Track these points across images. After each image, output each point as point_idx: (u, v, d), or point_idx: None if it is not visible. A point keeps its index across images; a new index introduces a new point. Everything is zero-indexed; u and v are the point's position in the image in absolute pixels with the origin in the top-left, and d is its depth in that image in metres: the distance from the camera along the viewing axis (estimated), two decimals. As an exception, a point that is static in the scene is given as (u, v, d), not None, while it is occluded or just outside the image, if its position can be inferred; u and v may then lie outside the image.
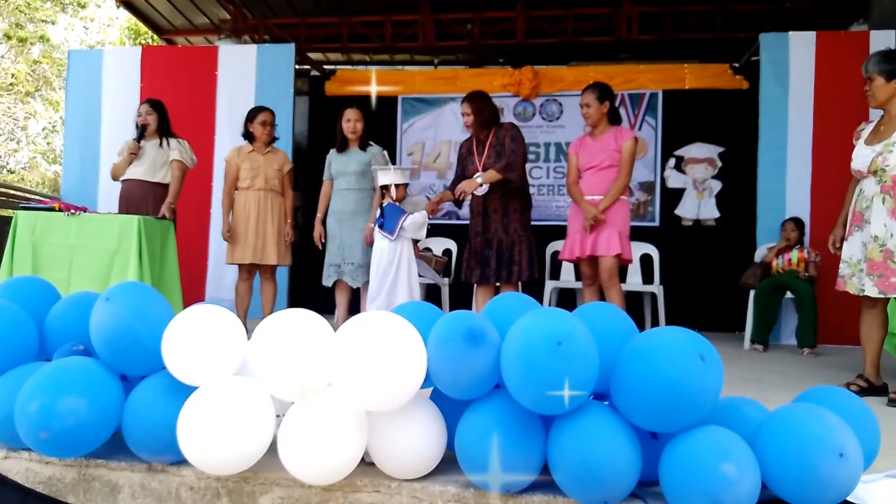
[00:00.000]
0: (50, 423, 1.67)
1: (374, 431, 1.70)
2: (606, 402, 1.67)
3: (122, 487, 1.83)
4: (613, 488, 1.52)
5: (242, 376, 1.75)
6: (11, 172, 17.34)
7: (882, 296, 3.00)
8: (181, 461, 1.77)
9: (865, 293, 3.04)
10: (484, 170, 3.99)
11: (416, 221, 3.96)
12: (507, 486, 1.62)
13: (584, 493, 1.55)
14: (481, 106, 4.08)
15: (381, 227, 4.04)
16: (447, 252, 6.01)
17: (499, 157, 3.99)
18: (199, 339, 1.70)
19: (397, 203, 4.06)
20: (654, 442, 1.63)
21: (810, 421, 1.48)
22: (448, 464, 1.76)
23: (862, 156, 3.08)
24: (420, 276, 4.08)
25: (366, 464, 1.76)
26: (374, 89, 6.97)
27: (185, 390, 1.72)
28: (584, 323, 1.59)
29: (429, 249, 5.76)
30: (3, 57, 16.10)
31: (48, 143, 17.92)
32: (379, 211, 4.12)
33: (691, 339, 1.49)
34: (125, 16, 14.01)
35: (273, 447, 1.71)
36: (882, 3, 6.01)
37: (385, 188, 4.10)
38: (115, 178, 4.70)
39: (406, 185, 4.14)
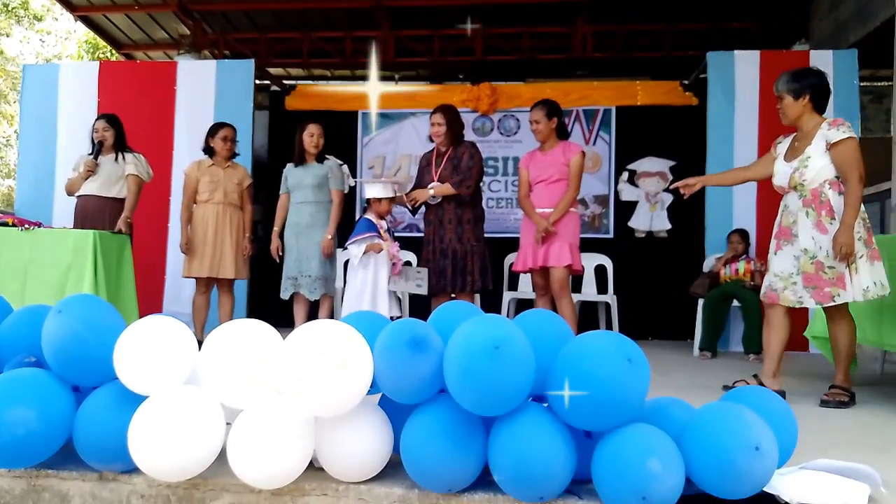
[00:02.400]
0: (0, 434, 1.69)
1: (322, 436, 1.75)
2: (546, 404, 1.76)
3: (72, 497, 1.85)
4: (549, 485, 1.61)
5: (193, 385, 1.80)
6: (-38, 187, 16.94)
7: (819, 306, 3.12)
8: (132, 470, 1.81)
9: (804, 305, 3.15)
10: (440, 181, 4.12)
11: (357, 251, 3.98)
12: (449, 485, 1.69)
13: (521, 490, 1.63)
14: (453, 118, 4.23)
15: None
16: (407, 264, 6.07)
17: (455, 170, 4.13)
18: (149, 350, 1.74)
19: (376, 217, 4.07)
20: (590, 441, 1.72)
21: (729, 418, 1.58)
22: (394, 467, 1.83)
23: (781, 172, 3.22)
24: (393, 289, 4.09)
25: (314, 468, 1.82)
26: (334, 104, 7.04)
27: (136, 400, 1.76)
28: (522, 329, 1.67)
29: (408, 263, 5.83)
30: (-45, 69, 15.78)
31: (1, 157, 17.54)
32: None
33: (620, 343, 1.59)
34: (83, 29, 13.85)
35: (222, 455, 1.75)
36: (821, 25, 6.31)
37: (369, 201, 4.12)
38: (70, 194, 4.68)
39: (391, 199, 4.13)
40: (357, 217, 6.92)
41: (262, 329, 1.80)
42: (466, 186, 4.09)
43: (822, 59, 5.69)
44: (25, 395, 1.74)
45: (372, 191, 4.10)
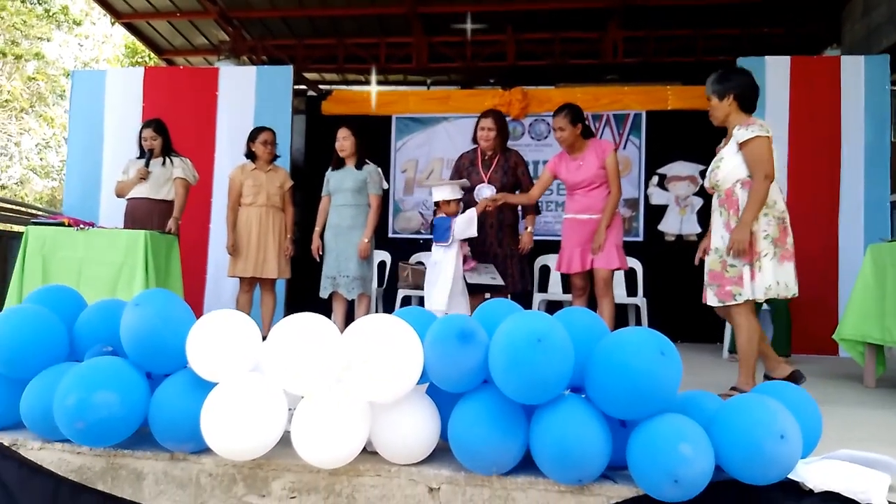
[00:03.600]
0: (86, 415, 1.87)
1: (376, 422, 1.90)
2: (583, 395, 1.88)
3: (146, 475, 2.02)
4: (586, 469, 1.74)
5: (258, 373, 1.96)
6: (4, 188, 17.43)
7: (721, 304, 3.14)
8: (201, 450, 1.98)
9: (708, 303, 3.18)
10: (489, 182, 4.25)
11: (464, 218, 3.99)
12: (494, 468, 1.83)
13: (561, 474, 1.76)
14: (503, 124, 4.39)
15: (435, 240, 4.15)
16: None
17: (505, 175, 4.30)
18: (219, 340, 1.91)
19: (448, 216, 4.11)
20: (624, 430, 1.84)
21: (756, 408, 1.70)
22: (442, 452, 1.97)
23: (707, 175, 3.29)
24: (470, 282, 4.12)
25: (368, 453, 1.97)
26: (368, 108, 7.22)
27: (206, 386, 1.92)
28: (562, 324, 1.80)
29: (421, 263, 5.96)
30: (-2, 74, 16.27)
31: (41, 159, 18.04)
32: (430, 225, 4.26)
33: (653, 337, 1.72)
34: (121, 33, 14.22)
35: (284, 438, 1.91)
36: (853, 30, 6.33)
37: (437, 204, 4.17)
38: (119, 196, 4.90)
39: (458, 200, 4.14)
40: (390, 220, 7.14)
41: (320, 322, 1.95)
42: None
43: (853, 65, 5.73)
44: (107, 381, 1.92)
45: (440, 193, 4.15)
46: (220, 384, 1.89)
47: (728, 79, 3.19)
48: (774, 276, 3.04)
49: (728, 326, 5.28)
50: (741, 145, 3.06)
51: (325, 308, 4.78)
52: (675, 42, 7.25)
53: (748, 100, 3.18)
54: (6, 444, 2.09)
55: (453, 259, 4.03)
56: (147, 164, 4.73)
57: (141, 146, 4.86)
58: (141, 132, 4.89)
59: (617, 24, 7.10)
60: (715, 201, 3.23)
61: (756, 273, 3.04)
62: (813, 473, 1.70)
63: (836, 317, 5.24)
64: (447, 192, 4.13)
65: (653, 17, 7.03)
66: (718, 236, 3.17)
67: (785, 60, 5.88)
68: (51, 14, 16.62)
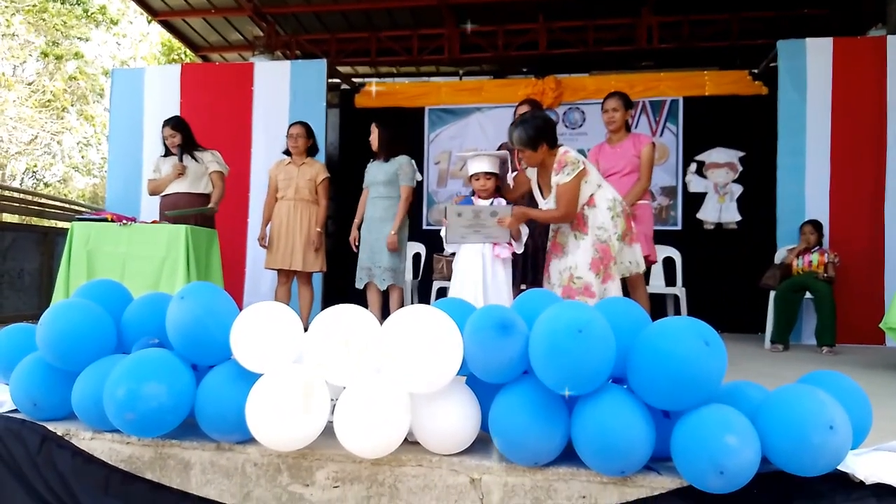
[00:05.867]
0: (135, 406, 1.91)
1: (417, 413, 1.91)
2: (625, 386, 1.87)
3: (193, 465, 2.07)
4: (629, 460, 1.73)
5: (301, 364, 1.98)
6: (48, 186, 17.85)
7: None
8: (246, 440, 2.01)
9: None
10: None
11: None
12: (535, 459, 1.82)
13: (603, 464, 1.75)
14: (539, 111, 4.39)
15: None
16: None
17: None
18: (263, 332, 1.94)
19: (476, 197, 3.63)
20: (667, 421, 1.82)
21: (804, 398, 1.66)
22: (482, 443, 1.98)
23: (544, 202, 3.57)
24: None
25: (409, 443, 1.98)
26: (402, 101, 7.24)
27: (251, 377, 1.95)
28: (603, 314, 1.79)
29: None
30: (39, 75, 16.65)
31: (83, 157, 18.44)
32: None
33: (696, 327, 1.69)
34: (157, 30, 14.45)
35: (327, 428, 1.93)
36: (898, 8, 6.12)
37: (469, 179, 3.67)
38: (154, 194, 5.00)
39: (495, 174, 3.57)
40: (424, 212, 7.16)
41: (360, 314, 1.97)
42: None
43: (900, 45, 5.56)
44: (155, 373, 1.96)
45: (477, 165, 3.59)
46: (264, 375, 1.92)
47: (530, 128, 3.38)
48: (625, 259, 3.47)
49: (770, 316, 5.19)
50: (557, 187, 3.41)
51: (361, 301, 4.82)
52: (710, 26, 7.11)
53: (552, 137, 3.45)
54: (60, 433, 2.15)
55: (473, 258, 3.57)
56: (180, 160, 4.82)
57: (165, 144, 4.96)
58: (162, 130, 4.97)
59: (651, 10, 6.99)
60: (566, 226, 3.47)
61: (608, 282, 3.34)
62: (863, 465, 1.66)
63: (883, 305, 5.12)
64: (475, 165, 3.60)
65: (687, 2, 6.90)
66: (571, 256, 3.40)
67: (827, 42, 5.74)
68: (89, 14, 16.94)
